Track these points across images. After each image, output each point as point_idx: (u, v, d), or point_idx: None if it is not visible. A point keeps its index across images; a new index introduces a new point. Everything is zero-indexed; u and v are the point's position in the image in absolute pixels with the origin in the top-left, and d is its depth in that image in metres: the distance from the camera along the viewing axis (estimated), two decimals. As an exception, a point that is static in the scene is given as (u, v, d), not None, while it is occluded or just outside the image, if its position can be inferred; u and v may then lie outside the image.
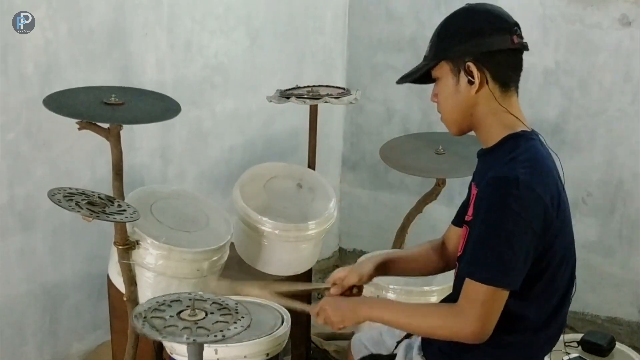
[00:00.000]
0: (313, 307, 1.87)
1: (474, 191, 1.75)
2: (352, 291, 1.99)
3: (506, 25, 1.70)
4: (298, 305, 1.97)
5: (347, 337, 2.58)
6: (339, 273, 2.00)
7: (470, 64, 1.68)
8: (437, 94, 1.79)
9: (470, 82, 1.70)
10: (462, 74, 1.70)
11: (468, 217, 1.76)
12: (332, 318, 1.81)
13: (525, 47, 1.72)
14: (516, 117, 1.72)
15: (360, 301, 1.87)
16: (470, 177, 1.90)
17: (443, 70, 1.74)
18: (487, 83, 1.70)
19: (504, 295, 1.62)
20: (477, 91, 1.70)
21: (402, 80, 1.83)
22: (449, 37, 1.72)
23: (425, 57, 1.79)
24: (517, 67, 1.74)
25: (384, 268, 2.04)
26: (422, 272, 2.10)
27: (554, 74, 3.40)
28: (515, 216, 1.58)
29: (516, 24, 1.71)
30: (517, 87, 1.75)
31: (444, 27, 1.76)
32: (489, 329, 1.63)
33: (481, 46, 1.67)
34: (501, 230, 1.59)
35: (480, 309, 1.61)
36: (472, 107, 1.73)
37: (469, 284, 1.63)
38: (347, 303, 1.84)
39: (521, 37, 1.71)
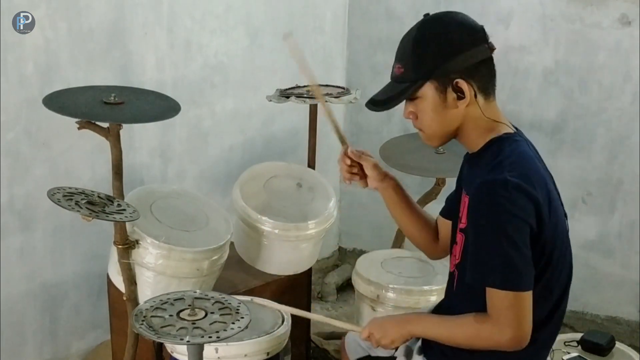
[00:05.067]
0: (362, 330, 1.89)
1: (465, 199, 1.74)
2: (353, 168, 2.11)
3: (480, 35, 1.70)
4: (348, 327, 2.05)
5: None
6: (367, 155, 2.10)
7: (459, 80, 1.67)
8: (416, 112, 1.77)
9: (460, 98, 1.69)
10: (450, 90, 1.69)
11: (462, 225, 1.75)
12: (381, 341, 1.83)
13: (494, 49, 1.71)
14: (498, 121, 1.73)
15: (403, 319, 1.85)
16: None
17: (426, 90, 1.71)
18: (475, 96, 1.70)
19: (526, 296, 1.61)
20: (467, 105, 1.70)
21: (380, 107, 1.80)
22: (429, 55, 1.69)
23: (398, 77, 1.74)
24: (494, 72, 1.74)
25: (397, 192, 2.11)
26: (419, 229, 2.07)
27: (553, 74, 3.39)
28: (510, 217, 1.58)
29: (483, 29, 1.71)
30: (494, 92, 1.75)
31: (419, 45, 1.70)
32: (525, 332, 1.62)
33: (466, 61, 1.67)
34: (500, 233, 1.59)
35: (508, 314, 1.61)
36: (460, 121, 1.73)
37: (490, 292, 1.63)
38: (391, 323, 1.84)
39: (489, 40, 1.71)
